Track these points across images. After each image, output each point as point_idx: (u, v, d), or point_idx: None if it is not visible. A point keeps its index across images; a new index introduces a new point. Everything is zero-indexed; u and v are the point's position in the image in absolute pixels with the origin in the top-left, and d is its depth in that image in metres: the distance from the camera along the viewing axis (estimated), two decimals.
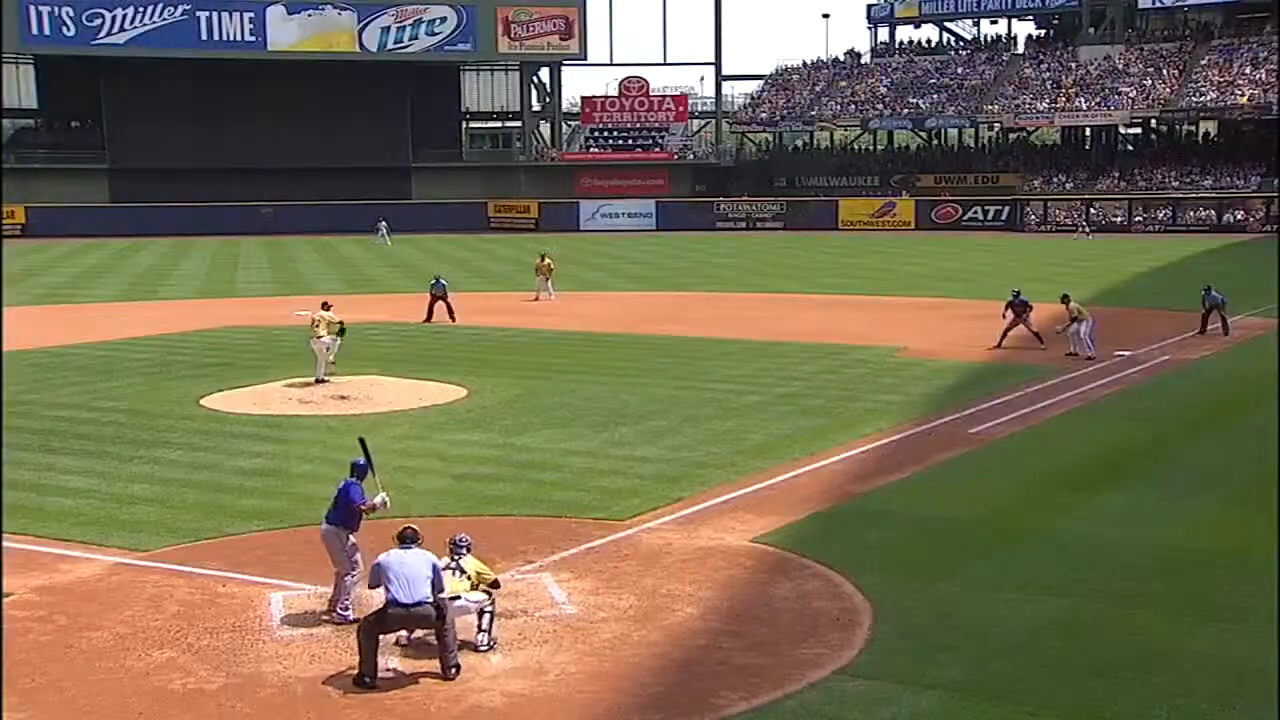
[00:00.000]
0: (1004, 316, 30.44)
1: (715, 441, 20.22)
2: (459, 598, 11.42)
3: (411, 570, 11.02)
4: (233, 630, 11.99)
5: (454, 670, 10.93)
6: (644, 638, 11.86)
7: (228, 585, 13.25)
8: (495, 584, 11.85)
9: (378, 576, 11.17)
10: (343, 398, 24.37)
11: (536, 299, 42.27)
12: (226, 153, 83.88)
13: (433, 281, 37.89)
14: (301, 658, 11.33)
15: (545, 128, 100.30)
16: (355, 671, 10.88)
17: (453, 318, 36.50)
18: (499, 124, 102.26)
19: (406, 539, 11.31)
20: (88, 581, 13.47)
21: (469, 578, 11.60)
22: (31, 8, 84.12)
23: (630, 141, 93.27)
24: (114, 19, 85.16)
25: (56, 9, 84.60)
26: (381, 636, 11.04)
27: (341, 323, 26.68)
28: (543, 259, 43.52)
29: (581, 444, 20.10)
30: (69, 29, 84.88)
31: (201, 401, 23.96)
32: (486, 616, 11.61)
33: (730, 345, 31.67)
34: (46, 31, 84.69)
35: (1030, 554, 14.29)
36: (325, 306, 26.93)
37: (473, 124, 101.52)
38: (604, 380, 26.36)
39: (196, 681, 10.84)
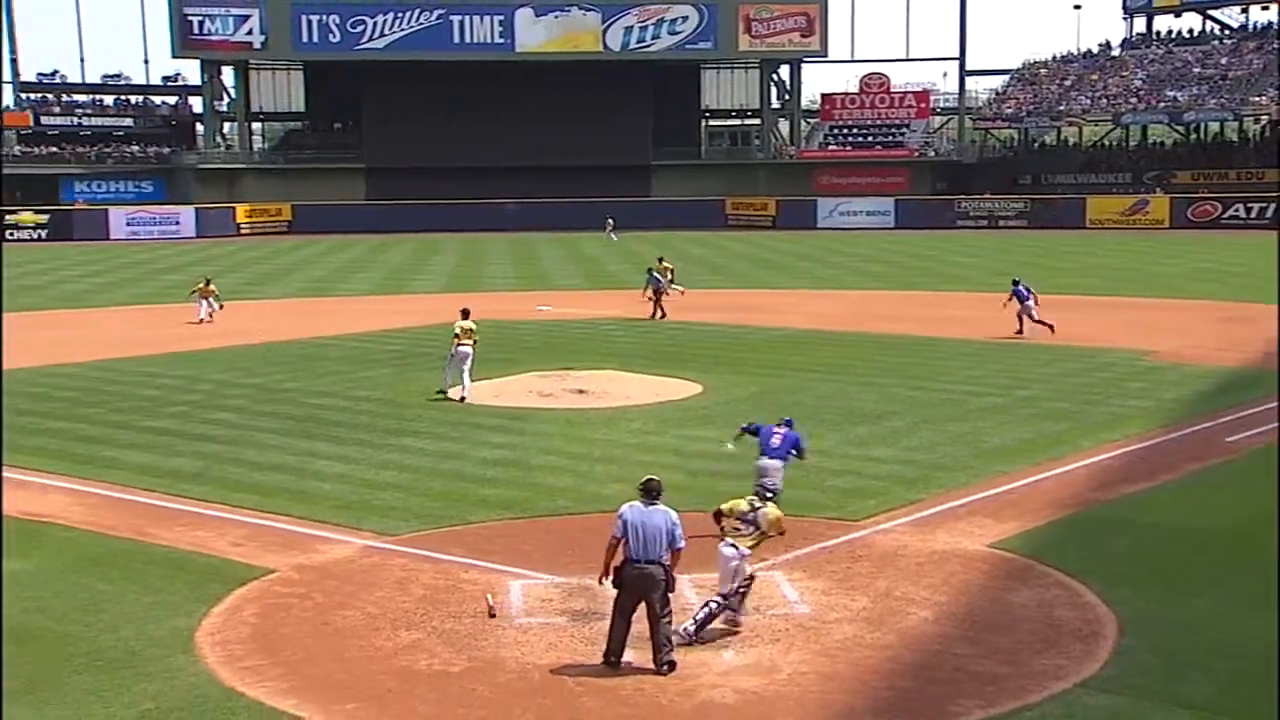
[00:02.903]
0: (1005, 306, 32.84)
1: (953, 443, 19.77)
2: (737, 551, 11.72)
3: (651, 527, 11.05)
4: (474, 615, 12.34)
5: (666, 667, 10.88)
6: (877, 640, 11.68)
7: (470, 572, 13.66)
8: (781, 531, 12.31)
9: (620, 527, 11.20)
10: (581, 391, 24.82)
11: (646, 298, 41.66)
12: (474, 152, 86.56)
13: (647, 276, 37.99)
14: (539, 645, 11.59)
15: (784, 125, 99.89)
16: (590, 663, 11.08)
17: (660, 313, 36.60)
18: (737, 122, 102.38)
19: (652, 492, 11.32)
20: (341, 563, 14.11)
21: (760, 531, 11.78)
22: (303, 18, 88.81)
23: (870, 138, 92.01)
24: (375, 25, 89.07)
25: (325, 18, 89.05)
26: (632, 615, 11.05)
27: (476, 339, 24.72)
28: (660, 261, 43.27)
29: (817, 442, 19.83)
30: (335, 36, 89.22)
31: (448, 393, 24.71)
32: (725, 600, 11.70)
33: (968, 345, 30.92)
34: (315, 39, 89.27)
35: None
36: (465, 314, 25.05)
37: (712, 122, 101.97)
38: (839, 379, 26.12)
39: (440, 663, 11.21)
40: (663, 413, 22.75)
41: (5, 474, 17.96)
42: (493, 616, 12.17)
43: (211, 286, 37.46)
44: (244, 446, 20.02)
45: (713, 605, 11.72)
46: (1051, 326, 31.85)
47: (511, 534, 15.17)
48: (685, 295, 40.63)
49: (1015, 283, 33.33)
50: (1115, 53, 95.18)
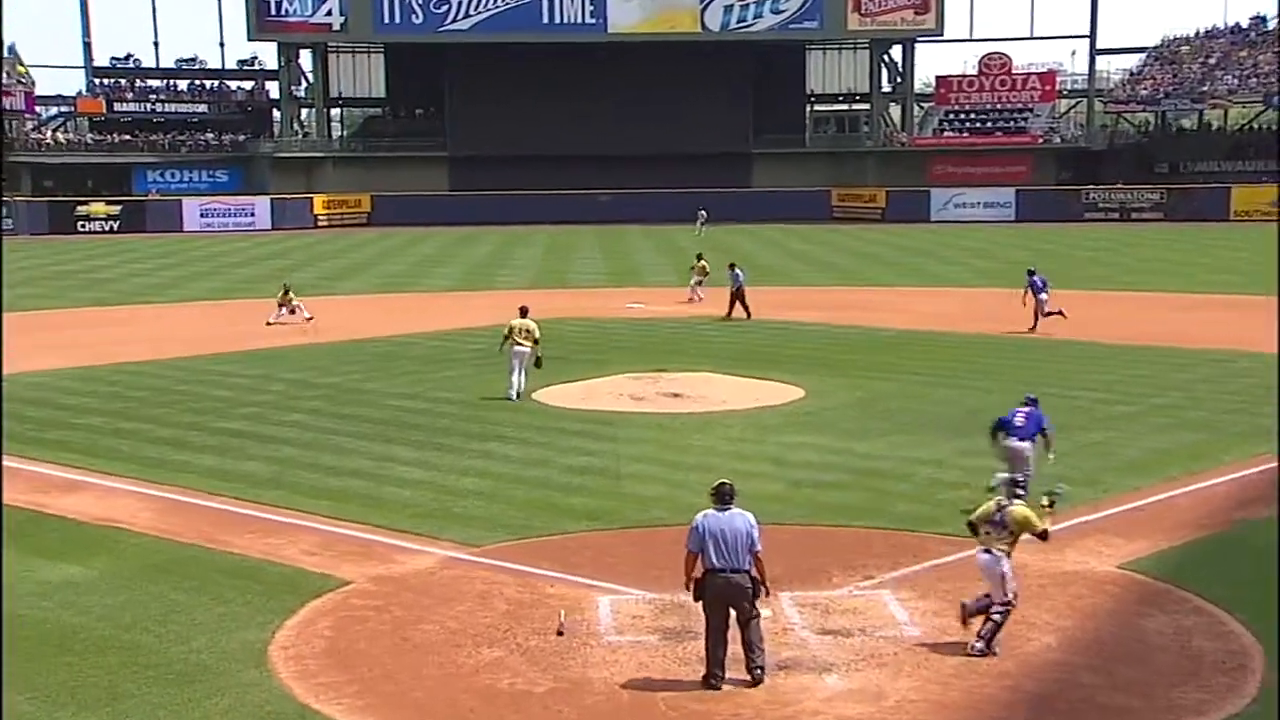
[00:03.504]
0: (1024, 302, 33.73)
1: (1080, 454, 19.42)
2: (995, 556, 11.73)
3: (731, 533, 11.10)
4: (560, 632, 12.39)
5: (759, 671, 10.99)
6: (993, 667, 11.51)
7: (556, 586, 13.72)
8: (1044, 535, 12.06)
9: (696, 540, 11.24)
10: (675, 395, 24.82)
11: (690, 300, 41.36)
12: (563, 140, 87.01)
13: (730, 273, 37.70)
14: (629, 665, 11.59)
15: (895, 110, 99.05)
16: (683, 683, 11.06)
17: (744, 310, 36.47)
18: (845, 107, 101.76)
19: (725, 497, 11.35)
20: (420, 574, 14.25)
21: (1010, 533, 11.79)
22: None
23: (989, 124, 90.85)
24: (459, 4, 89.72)
25: None
26: (726, 624, 11.09)
27: (537, 338, 24.68)
28: (699, 259, 42.85)
29: (929, 452, 19.74)
30: (417, 16, 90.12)
31: (533, 395, 24.89)
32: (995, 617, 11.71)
33: (1096, 348, 30.42)
34: (397, 20, 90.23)
35: None
36: (523, 312, 24.96)
37: (817, 107, 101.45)
38: (954, 383, 25.87)
39: (524, 683, 11.27)
40: (761, 418, 22.68)
41: (76, 477, 18.45)
42: (560, 634, 12.19)
43: (289, 295, 37.32)
44: (319, 450, 20.32)
45: (997, 616, 11.75)
46: (1062, 313, 33.22)
47: (600, 546, 15.21)
48: (702, 300, 40.45)
49: (1030, 273, 34.38)
50: (1271, 25, 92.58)
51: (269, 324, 36.07)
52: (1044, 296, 33.86)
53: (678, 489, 17.54)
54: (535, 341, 24.66)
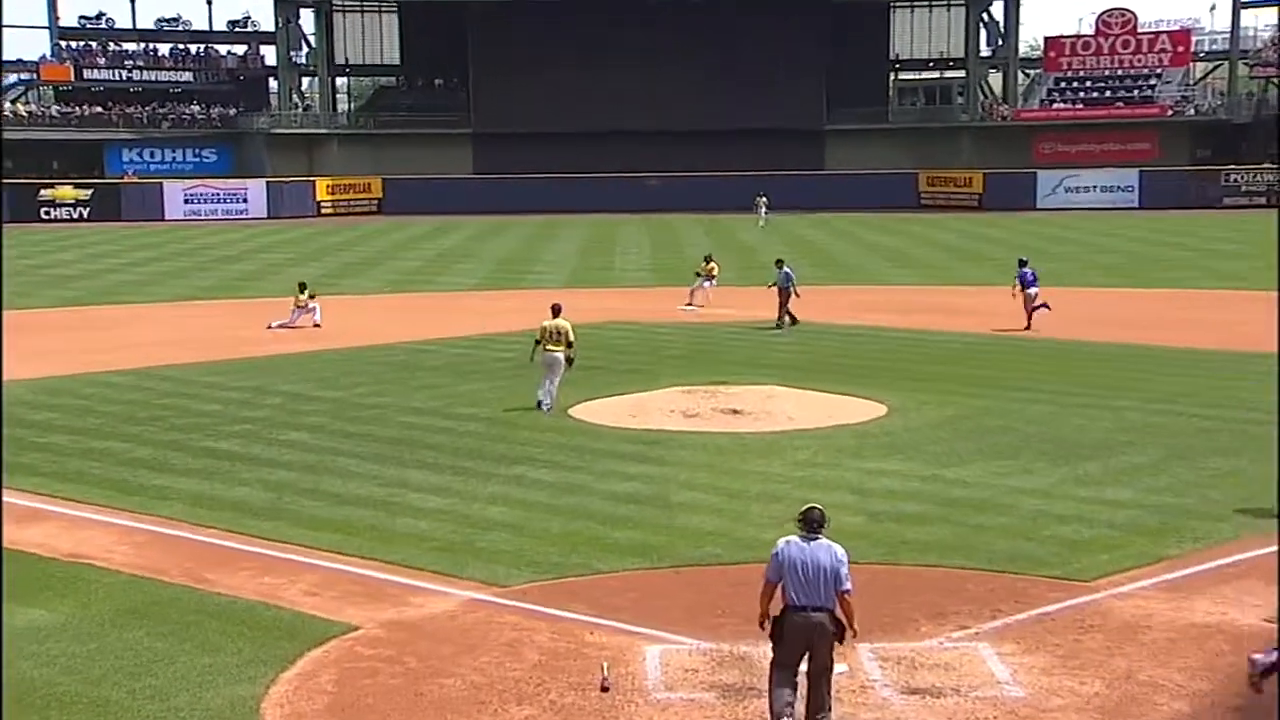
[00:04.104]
0: (1014, 295, 35.62)
1: (1216, 485, 19.30)
2: None
3: (814, 566, 11.11)
4: (605, 688, 12.44)
5: None
6: None
7: (596, 633, 13.77)
8: None
9: (776, 569, 11.29)
10: (735, 412, 24.84)
11: (689, 304, 41.42)
12: (605, 115, 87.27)
13: (778, 272, 37.37)
14: None
15: (995, 78, 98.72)
16: None
17: (787, 317, 36.29)
18: (935, 75, 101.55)
19: (813, 523, 11.35)
20: (439, 618, 14.34)
21: None
22: None
23: (1108, 93, 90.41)
24: None
25: None
26: (797, 670, 11.12)
27: (571, 341, 24.92)
28: (707, 262, 42.58)
29: (1033, 480, 19.69)
30: None
31: (570, 411, 24.97)
32: None
33: (1236, 358, 30.20)
34: None
35: None
36: (555, 311, 25.34)
37: (903, 75, 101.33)
38: (1062, 399, 25.80)
39: None
40: (836, 439, 22.68)
41: (39, 505, 18.71)
42: (605, 690, 12.24)
43: (304, 296, 37.49)
44: (322, 474, 20.48)
45: None
46: (1047, 305, 35.22)
47: (647, 587, 15.25)
48: (707, 307, 40.57)
49: (1022, 263, 36.09)
50: None
51: (271, 328, 36.37)
52: (1033, 291, 35.35)
53: (737, 521, 17.57)
54: (569, 345, 24.90)
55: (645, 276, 51.22)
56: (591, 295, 44.00)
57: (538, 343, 25.09)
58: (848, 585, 11.17)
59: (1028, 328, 35.05)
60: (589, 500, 18.89)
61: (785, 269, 37.18)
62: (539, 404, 25.00)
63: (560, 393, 25.26)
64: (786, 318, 36.40)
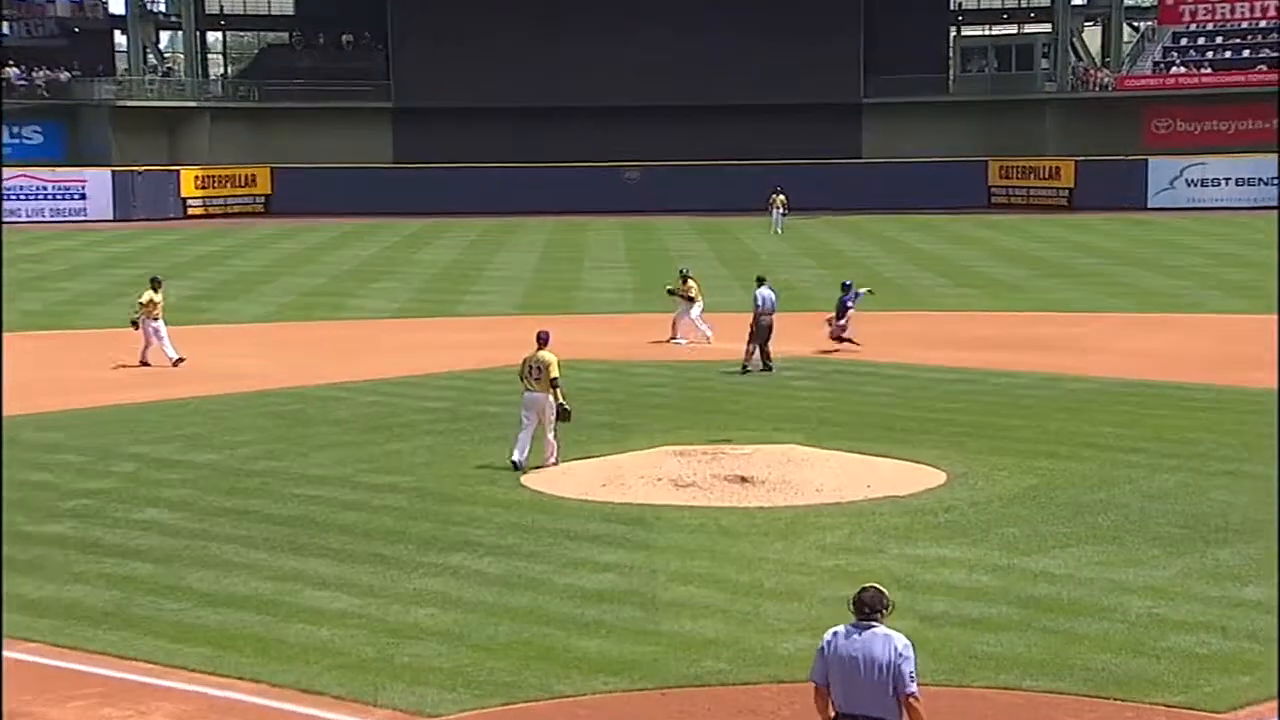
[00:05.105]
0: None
1: None
2: None
3: (865, 662, 11.01)
4: None
5: None
6: None
7: None
8: None
9: (821, 669, 11.22)
10: (743, 480, 24.69)
11: (671, 339, 41.86)
12: (568, 86, 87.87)
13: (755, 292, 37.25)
14: None
15: (1093, 35, 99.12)
16: None
17: (760, 353, 36.10)
18: (1012, 30, 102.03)
19: (866, 607, 11.24)
20: None
21: None
22: None
23: (1246, 54, 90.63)
24: None
25: None
26: None
27: (554, 378, 25.48)
28: (685, 281, 42.40)
29: (1143, 573, 19.62)
30: None
31: (524, 480, 24.88)
32: None
33: None
34: None
35: None
36: (540, 341, 26.03)
37: (966, 32, 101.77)
38: (1183, 465, 25.80)
39: None
40: (878, 517, 22.62)
41: None
42: None
43: (153, 302, 37.31)
44: (188, 566, 20.27)
45: None
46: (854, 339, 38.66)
47: (626, 715, 15.14)
48: (698, 342, 40.76)
49: (845, 287, 39.16)
50: None
51: (123, 366, 36.23)
52: (845, 322, 38.29)
53: (745, 625, 17.51)
54: (552, 383, 25.28)
55: (623, 300, 51.23)
56: (552, 323, 43.75)
57: (522, 379, 25.56)
58: (912, 687, 11.04)
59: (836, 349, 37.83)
60: (548, 599, 18.78)
61: (765, 288, 36.70)
62: (513, 463, 25.29)
63: (504, 451, 25.52)
64: (756, 354, 35.97)
